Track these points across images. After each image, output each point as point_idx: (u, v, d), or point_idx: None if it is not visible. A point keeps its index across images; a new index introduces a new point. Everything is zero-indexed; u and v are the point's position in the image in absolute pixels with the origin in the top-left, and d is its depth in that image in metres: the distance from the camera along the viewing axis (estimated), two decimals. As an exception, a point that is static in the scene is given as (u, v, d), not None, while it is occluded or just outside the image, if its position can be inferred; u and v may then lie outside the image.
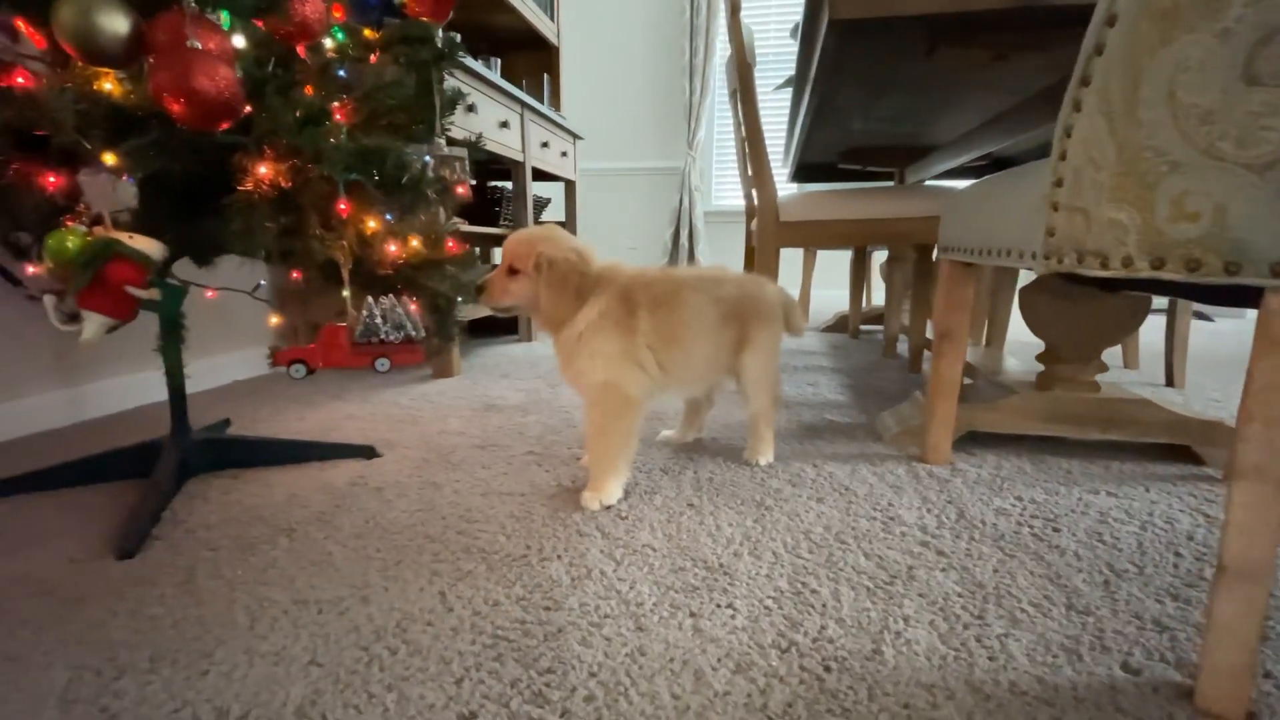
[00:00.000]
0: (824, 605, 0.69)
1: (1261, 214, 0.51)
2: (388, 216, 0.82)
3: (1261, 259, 0.52)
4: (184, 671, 0.59)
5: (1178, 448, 1.18)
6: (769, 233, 1.53)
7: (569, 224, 3.04)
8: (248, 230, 0.70)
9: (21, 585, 0.74)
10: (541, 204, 2.80)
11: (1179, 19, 0.53)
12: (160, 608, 0.69)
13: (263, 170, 0.69)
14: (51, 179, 0.63)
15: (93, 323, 0.68)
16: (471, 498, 0.98)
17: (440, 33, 0.95)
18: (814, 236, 1.54)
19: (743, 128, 2.15)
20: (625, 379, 0.94)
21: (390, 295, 0.92)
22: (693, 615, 0.68)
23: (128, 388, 1.50)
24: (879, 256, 3.56)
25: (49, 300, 0.69)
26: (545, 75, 2.80)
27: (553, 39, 2.85)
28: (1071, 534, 0.86)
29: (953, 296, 1.08)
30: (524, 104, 2.31)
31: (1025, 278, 2.22)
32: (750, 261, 2.63)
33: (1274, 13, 0.49)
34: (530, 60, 2.88)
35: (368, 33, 0.89)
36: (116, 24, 0.59)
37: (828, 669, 0.59)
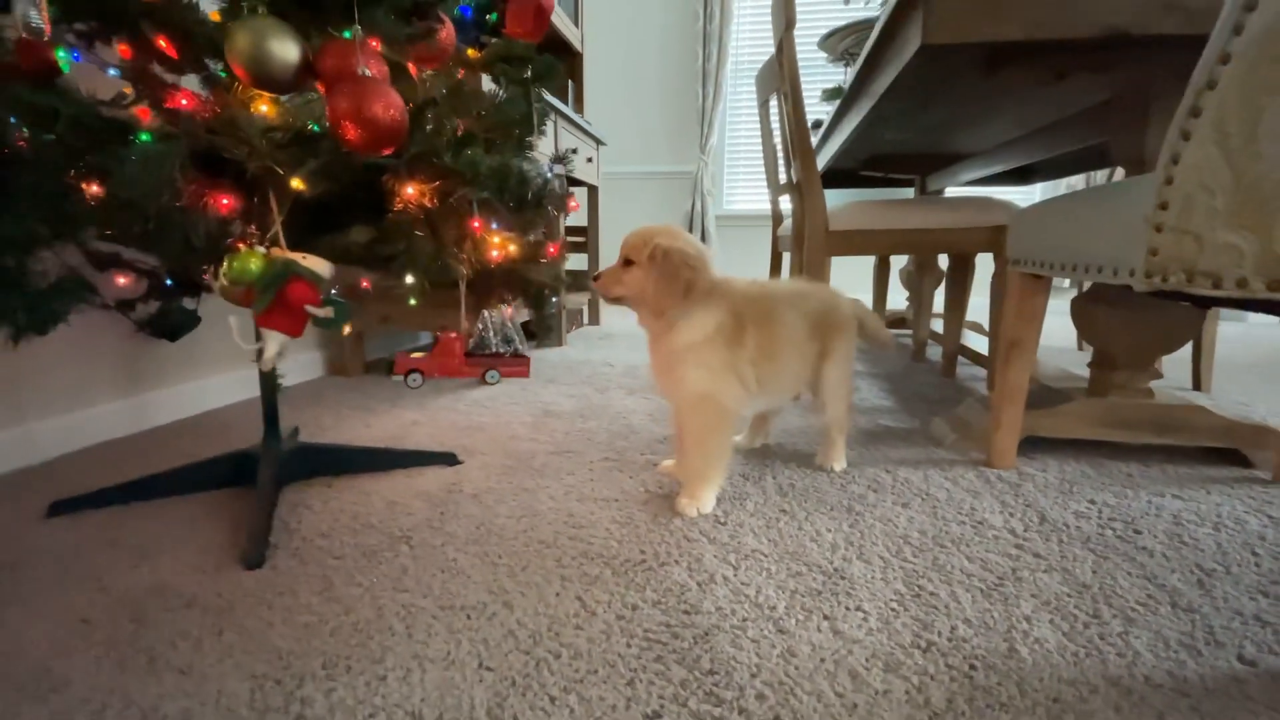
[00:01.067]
0: (946, 606, 0.73)
1: (1390, 244, 0.56)
2: (511, 232, 0.85)
3: (1387, 285, 0.56)
4: (361, 678, 0.62)
5: (1224, 451, 1.24)
6: (819, 242, 1.57)
7: (591, 229, 3.07)
8: (410, 249, 0.72)
9: (160, 597, 0.76)
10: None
11: (1309, 63, 0.57)
12: (310, 615, 0.71)
13: (409, 190, 0.71)
14: (225, 201, 0.64)
15: (274, 342, 0.70)
16: (569, 503, 1.01)
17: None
18: (863, 245, 1.58)
19: (776, 135, 2.20)
20: (724, 392, 0.97)
21: (497, 303, 0.94)
22: (826, 618, 0.71)
23: (187, 395, 1.51)
24: (897, 262, 3.63)
25: (235, 321, 0.71)
26: (570, 81, 2.83)
27: (577, 45, 2.88)
28: (1152, 535, 0.91)
29: (1025, 307, 1.12)
30: (557, 111, 2.34)
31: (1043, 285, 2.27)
32: (776, 267, 2.68)
33: (1402, 60, 0.54)
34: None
35: (471, 52, 0.91)
36: (288, 51, 0.61)
37: (973, 667, 0.63)
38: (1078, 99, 1.38)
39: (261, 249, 0.66)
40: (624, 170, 4.21)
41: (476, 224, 0.78)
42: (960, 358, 2.03)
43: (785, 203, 2.69)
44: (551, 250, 0.95)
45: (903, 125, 1.88)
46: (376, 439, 1.34)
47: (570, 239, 2.92)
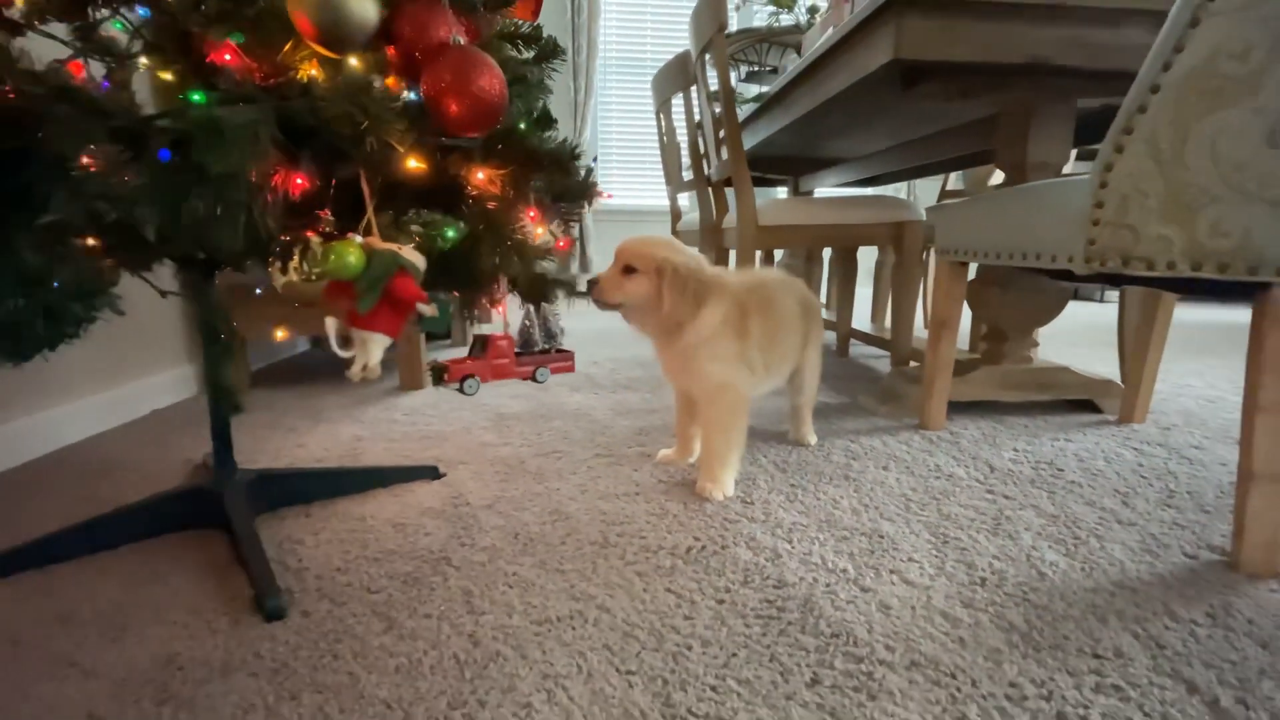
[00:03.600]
0: (974, 547, 0.85)
1: (1275, 234, 0.76)
2: (554, 223, 0.80)
3: (1272, 264, 0.77)
4: (503, 710, 0.56)
5: (1076, 402, 1.56)
6: (750, 235, 1.68)
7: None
8: (492, 240, 0.64)
9: (178, 669, 0.61)
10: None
11: (1224, 96, 0.76)
12: (392, 657, 0.63)
13: (480, 176, 0.64)
14: (299, 180, 0.52)
15: (377, 346, 0.58)
16: (594, 501, 0.99)
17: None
18: (788, 239, 1.72)
19: (681, 134, 2.28)
20: (740, 380, 1.01)
21: (538, 300, 0.88)
22: (893, 572, 0.79)
23: (36, 429, 1.19)
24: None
25: (332, 324, 0.57)
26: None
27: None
28: (1072, 471, 1.13)
29: (952, 292, 1.32)
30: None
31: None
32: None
33: (1280, 99, 0.74)
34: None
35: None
36: (367, 9, 0.51)
37: (1024, 593, 0.75)
38: (964, 114, 1.63)
39: (358, 239, 0.55)
40: (494, 162, 4.06)
41: (532, 214, 0.72)
42: (851, 340, 2.29)
43: (683, 199, 2.81)
44: (561, 245, 0.91)
45: (799, 131, 2.07)
46: (325, 459, 1.18)
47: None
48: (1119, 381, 1.51)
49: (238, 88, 0.48)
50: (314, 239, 0.56)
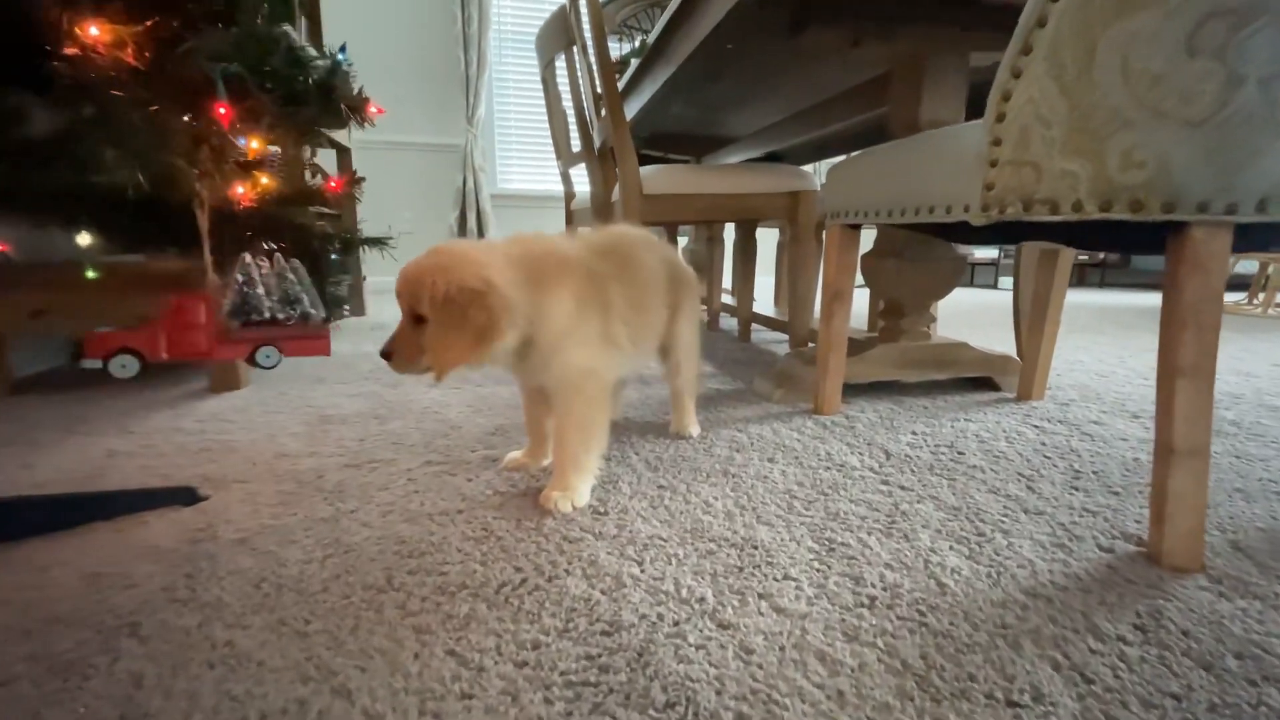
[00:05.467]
0: (863, 554, 0.69)
1: (1196, 162, 0.64)
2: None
3: (1191, 200, 0.65)
4: None
5: (974, 380, 1.47)
6: (634, 206, 1.49)
7: (346, 199, 2.58)
8: (102, 129, 0.39)
9: None
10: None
11: (1133, -4, 0.63)
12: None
13: (94, 32, 0.39)
14: None
15: None
16: (394, 526, 0.75)
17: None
18: (676, 210, 1.54)
19: (566, 99, 2.06)
20: (605, 363, 0.81)
21: (266, 251, 0.63)
22: (762, 596, 0.61)
23: None
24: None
25: None
26: (304, 19, 2.32)
27: (308, -23, 2.37)
28: (973, 454, 1.00)
29: (844, 259, 1.17)
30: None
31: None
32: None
33: (1194, -1, 0.61)
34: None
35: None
36: None
37: (921, 613, 0.58)
38: (858, 74, 1.50)
39: None
40: (379, 139, 3.67)
41: (222, 108, 0.49)
42: (753, 324, 2.15)
43: (576, 177, 2.59)
44: (332, 186, 0.67)
45: (692, 98, 1.90)
46: (50, 484, 0.88)
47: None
48: (1016, 357, 1.43)
49: None
50: None
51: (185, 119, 0.45)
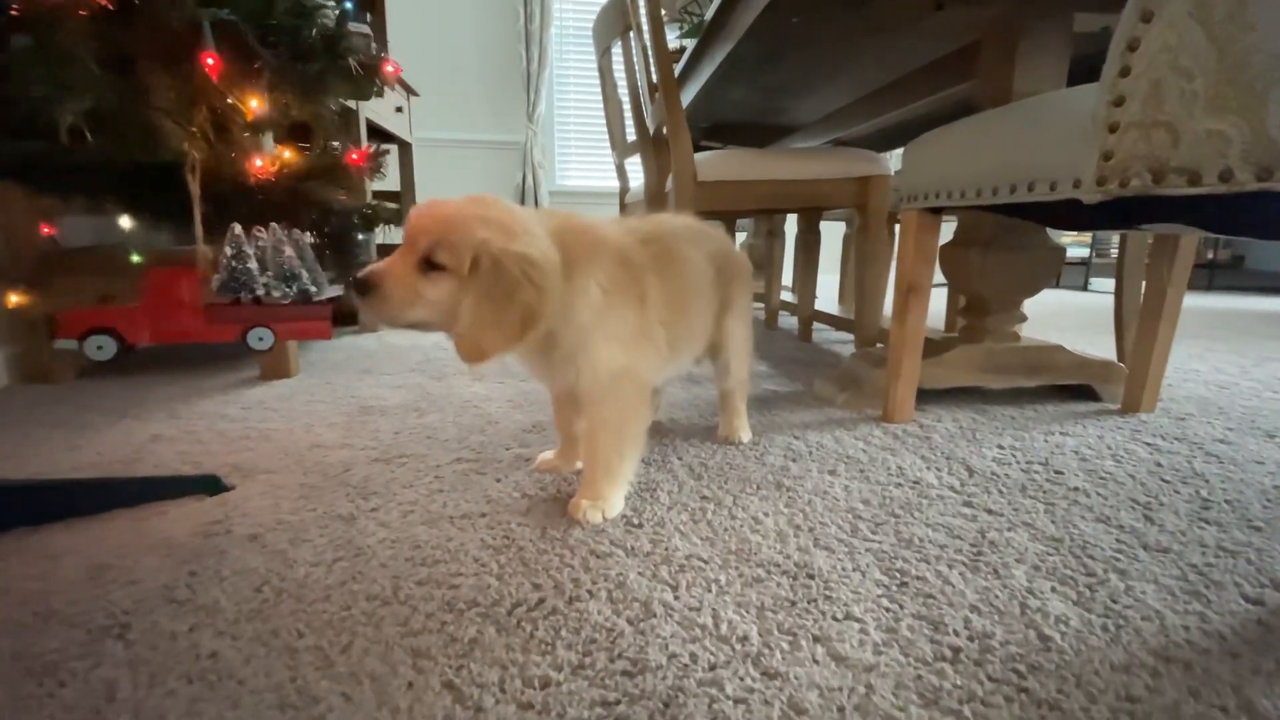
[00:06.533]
0: (944, 592, 0.58)
1: (1404, 112, 0.50)
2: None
3: (1394, 161, 0.50)
4: None
5: (1070, 388, 1.30)
6: (687, 193, 1.40)
7: (405, 194, 2.61)
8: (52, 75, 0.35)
9: None
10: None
11: (1321, -100, 0.49)
12: None
13: None
14: None
15: None
16: (411, 529, 0.70)
17: None
18: (733, 198, 1.44)
19: (621, 88, 1.99)
20: (642, 363, 0.73)
21: (270, 224, 0.57)
22: (818, 640, 0.51)
23: None
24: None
25: None
26: (368, 14, 2.35)
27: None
28: (1074, 474, 0.86)
29: (923, 248, 1.04)
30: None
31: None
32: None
33: None
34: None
35: None
36: None
37: (1019, 674, 0.47)
38: (937, 45, 1.36)
39: None
40: (442, 136, 3.73)
41: (210, 59, 0.44)
42: (815, 323, 2.02)
43: (632, 171, 2.52)
44: (354, 159, 0.62)
45: (753, 82, 1.79)
46: (91, 466, 0.88)
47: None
48: (1120, 363, 1.25)
49: None
50: None
51: (170, 79, 0.40)
